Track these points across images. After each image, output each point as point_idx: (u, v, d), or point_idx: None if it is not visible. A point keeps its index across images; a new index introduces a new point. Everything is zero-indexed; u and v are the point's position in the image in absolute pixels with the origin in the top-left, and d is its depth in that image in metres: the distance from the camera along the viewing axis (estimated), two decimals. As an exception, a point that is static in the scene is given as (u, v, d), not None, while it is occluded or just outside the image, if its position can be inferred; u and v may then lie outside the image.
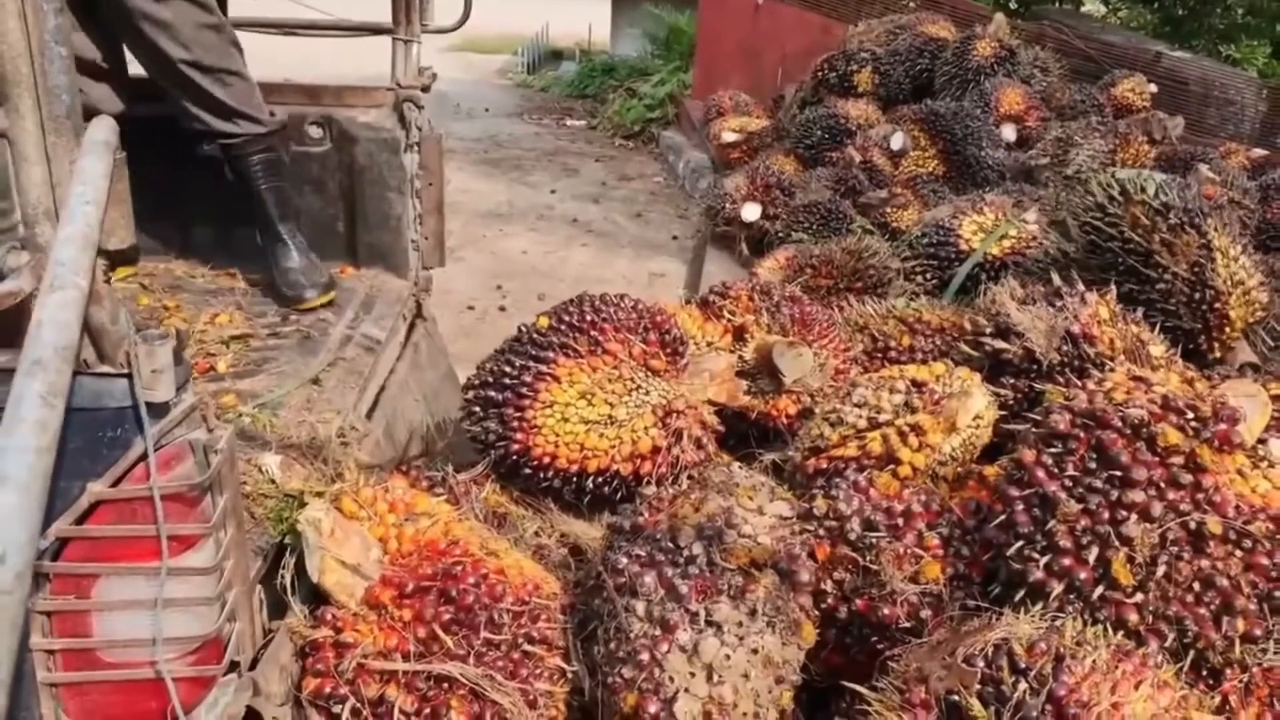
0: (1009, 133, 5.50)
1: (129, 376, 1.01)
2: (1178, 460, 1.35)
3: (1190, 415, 1.39)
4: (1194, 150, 5.03)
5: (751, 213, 4.99)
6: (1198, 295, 2.29)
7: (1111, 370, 1.70)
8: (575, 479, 1.80)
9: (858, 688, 1.35)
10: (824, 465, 1.80)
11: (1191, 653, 1.33)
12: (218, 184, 2.33)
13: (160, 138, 2.12)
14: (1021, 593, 1.37)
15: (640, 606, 1.36)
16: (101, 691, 1.11)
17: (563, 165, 9.39)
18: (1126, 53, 7.20)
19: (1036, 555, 1.37)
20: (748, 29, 8.97)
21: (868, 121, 5.69)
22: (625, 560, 1.43)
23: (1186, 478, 1.34)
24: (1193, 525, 1.32)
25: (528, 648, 1.42)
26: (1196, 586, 1.33)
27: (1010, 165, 5.05)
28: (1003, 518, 1.43)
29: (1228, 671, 1.35)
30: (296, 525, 1.43)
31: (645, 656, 1.31)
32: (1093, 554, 1.32)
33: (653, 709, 1.28)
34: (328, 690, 1.32)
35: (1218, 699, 1.34)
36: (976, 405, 1.75)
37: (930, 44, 6.24)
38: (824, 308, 2.38)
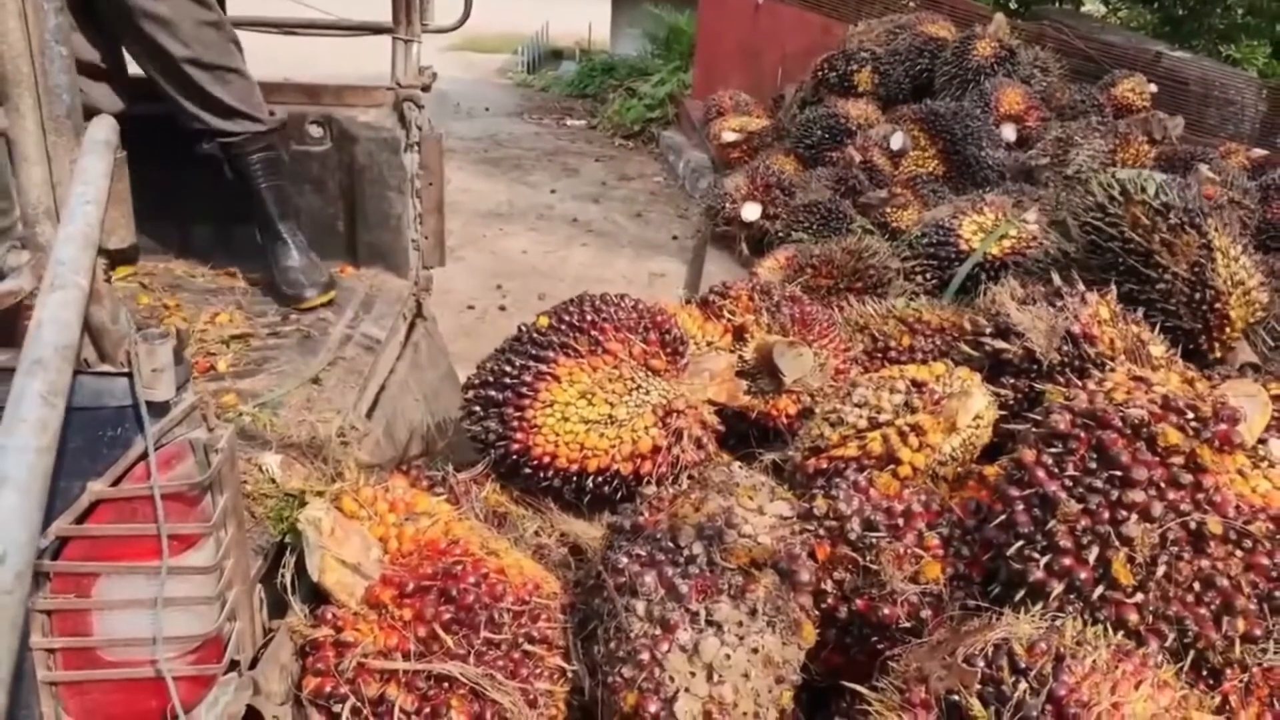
0: (1009, 133, 5.50)
1: (129, 376, 1.01)
2: (1178, 460, 1.35)
3: (1190, 415, 1.39)
4: (1194, 150, 5.02)
5: (751, 212, 4.99)
6: (1198, 295, 2.29)
7: (1112, 370, 1.70)
8: (575, 478, 1.80)
9: (858, 688, 1.35)
10: (824, 465, 1.80)
11: (1191, 653, 1.33)
12: (217, 183, 2.33)
13: (160, 137, 2.11)
14: (1021, 593, 1.37)
15: (640, 606, 1.36)
16: (102, 690, 1.11)
17: (563, 165, 9.38)
18: (1126, 53, 7.19)
19: (1036, 555, 1.37)
20: (748, 29, 8.97)
21: (868, 121, 5.68)
22: (625, 560, 1.43)
23: (1187, 478, 1.34)
24: (1193, 525, 1.32)
25: (528, 647, 1.42)
26: (1197, 586, 1.33)
27: (1010, 165, 5.05)
28: (1003, 518, 1.43)
29: (1228, 671, 1.35)
30: (297, 524, 1.43)
31: (645, 656, 1.31)
32: (1093, 554, 1.32)
33: (653, 708, 1.28)
34: (328, 689, 1.33)
35: (1218, 699, 1.34)
36: (976, 405, 1.75)
37: (930, 44, 6.24)
38: (824, 308, 2.38)
